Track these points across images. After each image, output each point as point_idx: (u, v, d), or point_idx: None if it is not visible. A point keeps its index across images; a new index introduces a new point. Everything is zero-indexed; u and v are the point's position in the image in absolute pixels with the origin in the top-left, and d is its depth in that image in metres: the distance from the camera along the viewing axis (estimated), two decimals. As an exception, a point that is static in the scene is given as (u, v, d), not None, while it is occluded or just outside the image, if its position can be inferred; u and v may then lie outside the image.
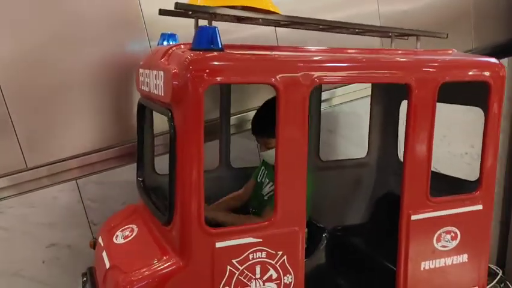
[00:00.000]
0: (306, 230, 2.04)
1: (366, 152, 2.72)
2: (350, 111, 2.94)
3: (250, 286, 1.58)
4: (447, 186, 2.24)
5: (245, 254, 1.56)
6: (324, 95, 2.78)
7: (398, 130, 2.63)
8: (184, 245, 1.50)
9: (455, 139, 3.19)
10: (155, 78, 1.68)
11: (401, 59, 1.84)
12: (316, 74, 1.60)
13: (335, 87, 2.88)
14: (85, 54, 2.27)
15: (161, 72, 1.61)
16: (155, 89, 1.68)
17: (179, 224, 1.50)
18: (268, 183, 2.06)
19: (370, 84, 2.70)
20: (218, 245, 1.51)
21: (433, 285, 1.93)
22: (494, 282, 3.16)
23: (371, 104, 2.69)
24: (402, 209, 1.82)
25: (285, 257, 1.62)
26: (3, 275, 2.22)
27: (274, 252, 1.60)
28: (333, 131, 2.92)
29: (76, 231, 2.32)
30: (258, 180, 2.14)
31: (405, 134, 1.80)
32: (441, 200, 1.88)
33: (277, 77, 1.54)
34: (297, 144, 1.60)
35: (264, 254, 1.59)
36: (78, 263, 2.29)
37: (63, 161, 2.26)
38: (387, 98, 2.66)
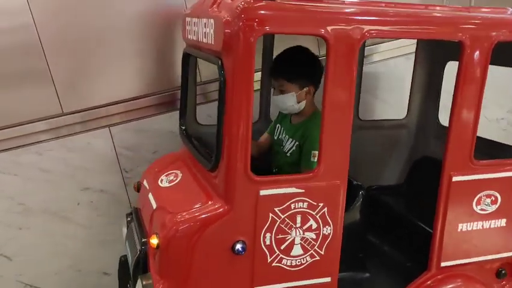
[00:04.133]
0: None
1: (406, 113, 2.68)
2: (391, 72, 2.89)
3: (290, 234, 1.63)
4: (488, 150, 2.21)
5: (287, 203, 1.60)
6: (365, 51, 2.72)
7: (440, 93, 2.58)
8: (228, 191, 1.55)
9: (490, 103, 3.09)
10: (205, 27, 1.68)
11: (455, 15, 1.77)
12: (368, 27, 1.57)
13: (377, 43, 2.82)
14: (125, 3, 2.27)
15: (212, 20, 1.61)
16: (205, 37, 1.68)
17: (224, 171, 1.55)
18: (288, 139, 2.06)
19: (414, 41, 2.63)
20: (262, 192, 1.55)
21: (469, 247, 1.94)
22: None
23: (414, 65, 2.63)
24: (444, 170, 1.81)
25: (325, 209, 1.65)
26: (44, 213, 2.34)
27: (315, 203, 1.63)
28: (372, 92, 2.88)
29: (108, 177, 2.40)
30: (276, 137, 2.14)
31: (454, 94, 1.76)
32: (484, 163, 1.86)
33: (328, 29, 1.52)
34: (344, 99, 1.60)
35: (305, 204, 1.62)
36: (110, 207, 2.40)
37: (96, 108, 2.31)
38: (431, 58, 2.59)
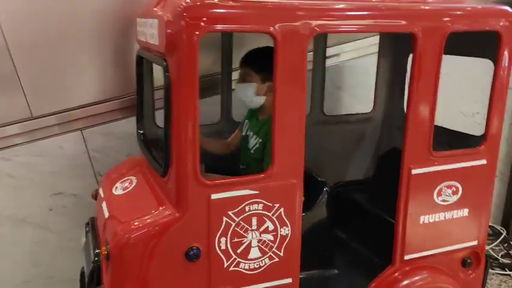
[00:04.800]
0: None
1: (372, 107, 2.67)
2: (359, 68, 2.87)
3: (246, 237, 1.60)
4: (451, 141, 2.21)
5: (241, 206, 1.56)
6: (333, 50, 2.70)
7: (404, 84, 2.56)
8: (179, 197, 1.50)
9: (466, 98, 3.11)
10: (151, 27, 1.63)
11: (406, 7, 1.75)
12: (316, 22, 1.54)
13: (343, 43, 2.80)
14: (87, 4, 2.22)
15: (156, 21, 1.56)
16: (151, 38, 1.63)
17: (174, 176, 1.50)
18: (252, 136, 2.04)
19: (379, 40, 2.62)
20: (214, 196, 1.51)
21: (432, 239, 1.93)
22: (498, 241, 3.16)
23: (378, 57, 2.62)
24: (403, 163, 1.80)
25: (282, 210, 1.62)
26: (11, 220, 2.28)
27: (271, 204, 1.60)
28: (341, 87, 2.86)
29: (82, 181, 2.35)
30: (243, 133, 2.12)
31: (409, 85, 1.74)
32: (444, 154, 1.85)
33: (276, 26, 1.48)
34: (296, 96, 1.57)
35: (260, 206, 1.59)
36: (84, 212, 2.32)
37: (67, 111, 2.26)
38: (395, 50, 2.58)
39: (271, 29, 1.47)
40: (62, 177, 2.32)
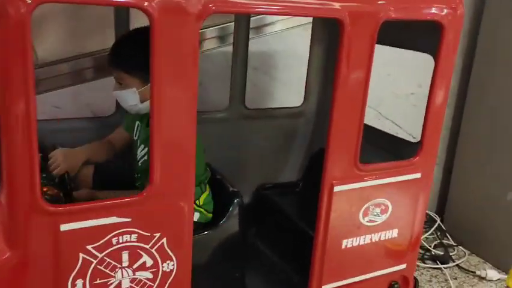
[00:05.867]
0: (207, 193, 1.73)
1: (303, 100, 2.34)
2: (289, 50, 2.51)
3: (114, 276, 1.22)
4: (384, 145, 1.93)
5: (106, 238, 1.18)
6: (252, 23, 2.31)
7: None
8: (14, 229, 1.10)
9: (400, 77, 2.83)
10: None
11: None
12: (212, -1, 1.15)
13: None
14: None
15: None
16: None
17: (7, 201, 1.09)
18: (140, 145, 1.65)
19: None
20: (64, 227, 1.12)
21: (355, 265, 1.65)
22: (432, 230, 2.95)
23: (311, 42, 2.27)
24: (324, 178, 1.48)
25: (164, 240, 1.26)
26: None
27: (148, 234, 1.23)
28: (268, 73, 2.50)
29: None
30: (135, 137, 1.71)
31: (334, 82, 1.41)
32: (373, 167, 1.55)
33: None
34: (182, 93, 1.19)
35: (134, 236, 1.22)
36: None
37: None
38: (330, 35, 2.24)
39: (145, 3, 1.07)
40: None
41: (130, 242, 1.21)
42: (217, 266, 1.67)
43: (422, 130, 1.60)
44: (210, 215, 1.74)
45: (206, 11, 1.15)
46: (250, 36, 2.11)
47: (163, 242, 1.25)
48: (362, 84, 1.42)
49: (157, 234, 1.24)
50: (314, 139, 2.39)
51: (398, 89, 2.88)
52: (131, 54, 1.46)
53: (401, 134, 2.84)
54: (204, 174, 1.74)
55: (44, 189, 1.27)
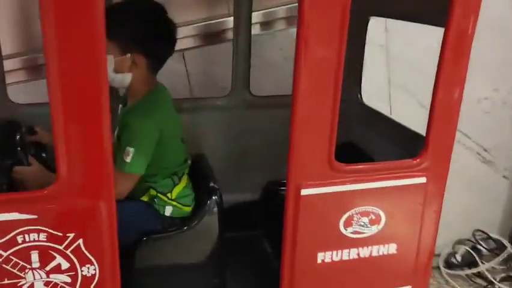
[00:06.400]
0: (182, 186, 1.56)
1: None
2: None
3: (24, 278, 1.11)
4: (401, 139, 1.60)
5: (10, 235, 1.06)
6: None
7: (362, 61, 1.92)
8: None
9: (472, 79, 2.36)
10: None
11: None
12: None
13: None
14: None
15: None
16: None
17: None
18: (116, 128, 1.50)
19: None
20: (-40, 220, 1.02)
21: (341, 283, 1.37)
22: (500, 259, 2.46)
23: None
24: (289, 179, 1.23)
25: (80, 241, 1.11)
26: None
27: (60, 234, 1.09)
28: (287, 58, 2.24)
29: None
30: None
31: (295, 62, 1.14)
32: (355, 168, 1.25)
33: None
34: (86, 66, 1.01)
35: (43, 236, 1.08)
36: None
37: None
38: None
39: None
40: None
41: (39, 241, 1.08)
42: (190, 269, 1.51)
43: (428, 124, 1.26)
44: (187, 209, 1.57)
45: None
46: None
47: (79, 244, 1.11)
48: (333, 64, 1.13)
49: (71, 235, 1.09)
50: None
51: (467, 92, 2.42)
52: (117, 20, 1.33)
53: (470, 146, 2.41)
54: (179, 165, 1.56)
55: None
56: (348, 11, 1.09)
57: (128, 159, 1.34)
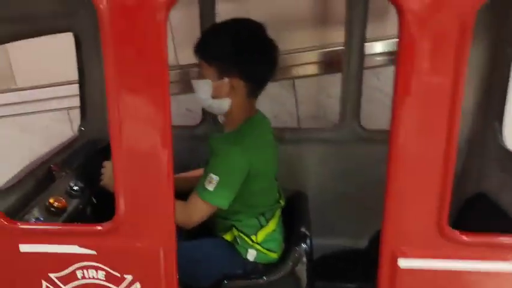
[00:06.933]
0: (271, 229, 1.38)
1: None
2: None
3: (82, 314, 1.05)
4: None
5: (70, 269, 1.02)
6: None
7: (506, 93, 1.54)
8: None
9: None
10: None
11: None
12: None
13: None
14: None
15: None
16: None
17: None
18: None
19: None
20: (23, 248, 1.01)
21: None
22: None
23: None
24: (383, 242, 0.97)
25: (137, 285, 1.02)
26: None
27: (118, 274, 1.01)
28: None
29: None
30: None
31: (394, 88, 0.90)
32: (480, 240, 0.93)
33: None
34: (150, 94, 0.91)
35: (101, 274, 1.01)
36: None
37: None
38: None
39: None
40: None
41: (97, 279, 1.02)
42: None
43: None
44: (273, 256, 1.39)
45: None
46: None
47: (136, 288, 1.02)
48: (447, 94, 0.87)
49: (128, 277, 1.01)
50: (465, 178, 1.72)
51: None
52: (214, 43, 1.29)
53: None
54: (268, 205, 1.40)
55: (50, 200, 1.19)
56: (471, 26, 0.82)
57: (210, 187, 1.22)
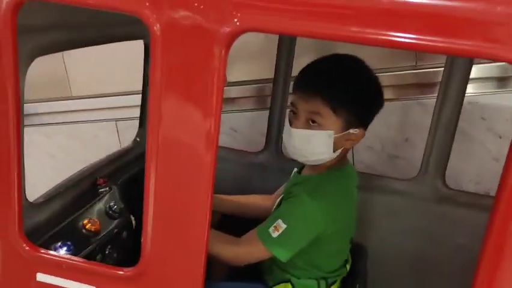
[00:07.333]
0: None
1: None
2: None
3: None
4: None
5: (87, 308, 0.90)
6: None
7: None
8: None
9: None
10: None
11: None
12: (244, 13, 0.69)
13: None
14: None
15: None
16: None
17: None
18: (281, 195, 1.23)
19: None
20: (40, 277, 0.90)
21: None
22: None
23: None
24: None
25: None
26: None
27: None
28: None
29: None
30: None
31: None
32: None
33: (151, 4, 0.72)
34: (187, 131, 0.77)
35: (123, 320, 0.88)
36: None
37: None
38: None
39: (146, 10, 0.72)
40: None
41: (116, 325, 0.89)
42: None
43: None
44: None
45: (237, 30, 0.70)
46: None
47: None
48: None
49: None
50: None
51: None
52: (345, 87, 1.06)
53: None
54: (333, 271, 1.20)
55: (84, 222, 1.09)
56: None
57: (275, 235, 1.07)
